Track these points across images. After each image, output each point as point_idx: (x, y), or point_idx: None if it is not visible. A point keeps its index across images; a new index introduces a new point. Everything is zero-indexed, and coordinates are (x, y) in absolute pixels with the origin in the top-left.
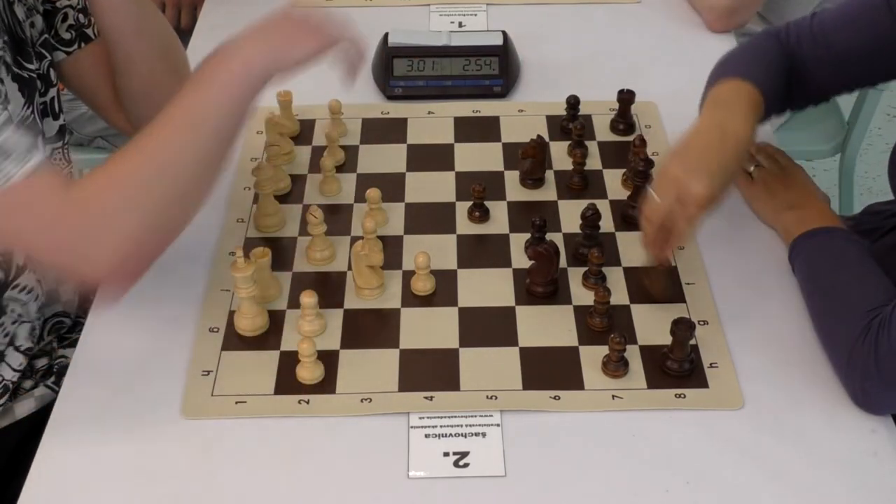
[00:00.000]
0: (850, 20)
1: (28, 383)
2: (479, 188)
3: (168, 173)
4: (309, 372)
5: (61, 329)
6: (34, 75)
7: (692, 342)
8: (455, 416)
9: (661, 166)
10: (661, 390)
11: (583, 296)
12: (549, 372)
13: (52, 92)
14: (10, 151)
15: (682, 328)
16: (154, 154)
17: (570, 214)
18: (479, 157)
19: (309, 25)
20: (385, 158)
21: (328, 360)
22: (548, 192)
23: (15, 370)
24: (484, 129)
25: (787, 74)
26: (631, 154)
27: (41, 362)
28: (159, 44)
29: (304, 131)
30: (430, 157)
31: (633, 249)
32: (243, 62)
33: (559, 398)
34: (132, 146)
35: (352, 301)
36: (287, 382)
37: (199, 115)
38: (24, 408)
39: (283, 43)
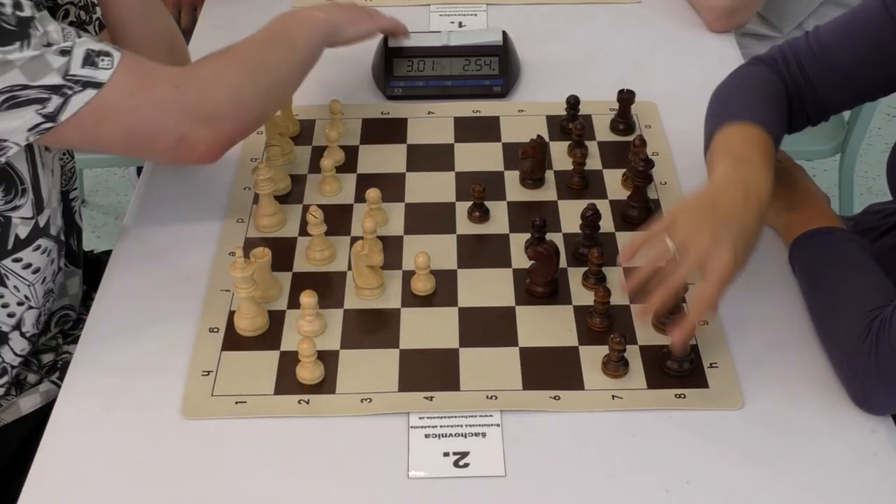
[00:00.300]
0: (851, 35)
1: (33, 378)
2: (479, 188)
3: (271, 60)
4: (309, 372)
5: (66, 323)
6: None
7: (692, 342)
8: (455, 416)
9: (678, 216)
10: (661, 390)
11: (583, 296)
12: (549, 372)
13: None
14: (91, 57)
15: None
16: (261, 47)
17: (570, 214)
18: (479, 157)
19: (364, 11)
20: (385, 158)
21: (328, 360)
22: (548, 192)
23: (17, 355)
24: (484, 129)
25: (789, 104)
26: (631, 154)
27: (47, 357)
28: (165, 38)
29: (304, 131)
30: (430, 157)
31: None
32: (318, 18)
33: (559, 398)
34: (227, 48)
35: (352, 301)
36: (287, 382)
37: (290, 36)
38: (29, 403)
39: (344, 20)
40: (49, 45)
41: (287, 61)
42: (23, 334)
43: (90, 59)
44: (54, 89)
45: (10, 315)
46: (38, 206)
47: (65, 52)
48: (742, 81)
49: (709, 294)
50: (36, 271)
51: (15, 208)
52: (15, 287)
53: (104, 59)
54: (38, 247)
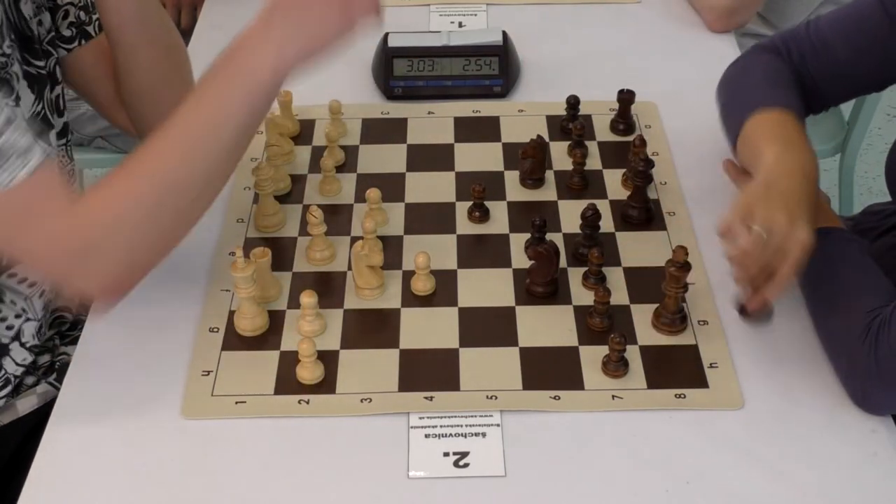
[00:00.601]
0: (849, 29)
1: (30, 379)
2: (479, 188)
3: (173, 192)
4: (309, 372)
5: (62, 325)
6: (43, 72)
7: (692, 342)
8: (455, 416)
9: (751, 203)
10: (661, 390)
11: (583, 296)
12: (549, 372)
13: (58, 89)
14: (7, 153)
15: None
16: (160, 173)
17: (570, 214)
18: (479, 157)
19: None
20: (385, 158)
21: (328, 360)
22: (548, 192)
23: (19, 364)
24: (484, 129)
25: (802, 92)
26: (631, 154)
27: (43, 359)
28: (163, 42)
29: (304, 131)
30: (430, 157)
31: (633, 249)
32: (274, 62)
33: (559, 398)
34: (139, 159)
35: (352, 301)
36: (287, 382)
37: (211, 129)
38: (27, 404)
39: (317, 26)
40: None
41: (207, 167)
42: (23, 345)
43: (4, 156)
44: None
45: (9, 328)
46: None
47: None
48: (757, 69)
49: (790, 271)
50: (32, 285)
51: None
52: (12, 301)
53: (15, 162)
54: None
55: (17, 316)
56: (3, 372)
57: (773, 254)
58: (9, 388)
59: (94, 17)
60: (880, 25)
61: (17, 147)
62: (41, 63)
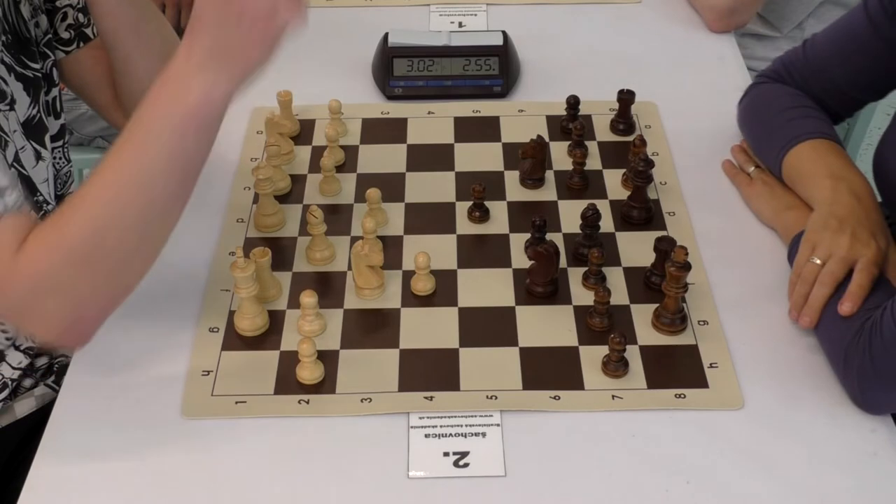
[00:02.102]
0: (843, 50)
1: (28, 382)
2: (479, 188)
3: (107, 238)
4: (309, 372)
5: None
6: (38, 74)
7: (692, 342)
8: (455, 416)
9: (814, 239)
10: (661, 390)
11: (583, 296)
12: (549, 372)
13: (55, 91)
14: None
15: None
16: (90, 220)
17: (570, 214)
18: (479, 157)
19: (257, 9)
20: (385, 158)
21: (328, 360)
22: (548, 192)
23: (15, 368)
24: (484, 129)
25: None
26: (631, 154)
27: (41, 361)
28: (159, 45)
29: (304, 131)
30: (430, 157)
31: (633, 249)
32: (204, 94)
33: (559, 398)
34: (72, 205)
35: (352, 301)
36: (287, 382)
37: (141, 170)
38: (25, 407)
39: (244, 48)
40: None
41: (138, 213)
42: (17, 348)
43: None
44: None
45: (5, 331)
46: None
47: None
48: (779, 100)
49: (862, 281)
50: None
51: None
52: None
53: None
54: None
55: None
56: (0, 376)
57: (842, 271)
58: (6, 392)
59: (92, 21)
60: (869, 44)
61: None
62: (37, 65)
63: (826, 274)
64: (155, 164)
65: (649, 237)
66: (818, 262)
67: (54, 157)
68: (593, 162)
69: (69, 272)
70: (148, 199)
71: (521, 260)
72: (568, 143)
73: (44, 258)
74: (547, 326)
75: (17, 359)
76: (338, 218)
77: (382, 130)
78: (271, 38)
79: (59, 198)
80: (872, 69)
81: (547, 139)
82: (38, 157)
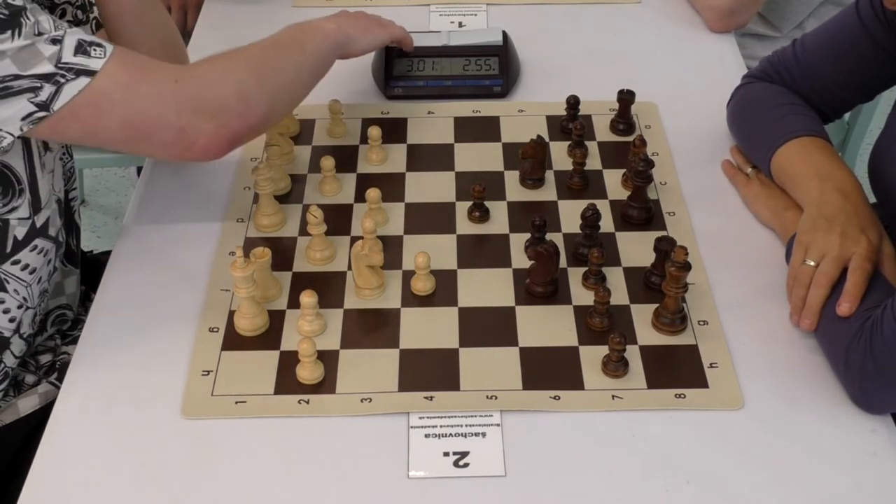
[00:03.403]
0: (832, 51)
1: (31, 379)
2: (479, 188)
3: (270, 64)
4: (309, 372)
5: (64, 323)
6: None
7: (692, 342)
8: (455, 416)
9: (806, 240)
10: (661, 390)
11: (583, 296)
12: (549, 372)
13: None
14: (89, 42)
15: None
16: (257, 52)
17: (570, 214)
18: (479, 157)
19: (375, 21)
20: (385, 158)
21: (328, 360)
22: (548, 192)
23: (17, 357)
24: (484, 129)
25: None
26: (631, 154)
27: (45, 358)
28: (161, 34)
29: (304, 131)
30: (430, 157)
31: (633, 249)
32: (329, 29)
33: (559, 398)
34: (235, 50)
35: (352, 301)
36: (287, 382)
37: (300, 42)
38: (28, 404)
39: (356, 31)
40: (40, 34)
41: (295, 66)
42: (20, 335)
43: (82, 48)
44: (46, 77)
45: (12, 320)
46: (35, 207)
47: (56, 41)
48: (767, 99)
49: (856, 280)
50: (32, 272)
51: (13, 209)
52: (15, 290)
53: (96, 49)
54: (35, 247)
55: (20, 307)
56: (2, 366)
57: (836, 270)
58: (6, 383)
59: (92, 15)
60: (860, 44)
61: (91, 40)
62: None
63: (821, 275)
64: (303, 45)
65: (649, 237)
66: (812, 263)
67: (61, 151)
68: (593, 162)
69: (246, 74)
70: (300, 54)
71: (521, 260)
72: (568, 143)
73: (226, 60)
74: (547, 326)
75: (20, 347)
76: (338, 218)
77: (382, 130)
78: (380, 37)
79: (63, 194)
80: (861, 70)
81: (547, 139)
82: (47, 147)
